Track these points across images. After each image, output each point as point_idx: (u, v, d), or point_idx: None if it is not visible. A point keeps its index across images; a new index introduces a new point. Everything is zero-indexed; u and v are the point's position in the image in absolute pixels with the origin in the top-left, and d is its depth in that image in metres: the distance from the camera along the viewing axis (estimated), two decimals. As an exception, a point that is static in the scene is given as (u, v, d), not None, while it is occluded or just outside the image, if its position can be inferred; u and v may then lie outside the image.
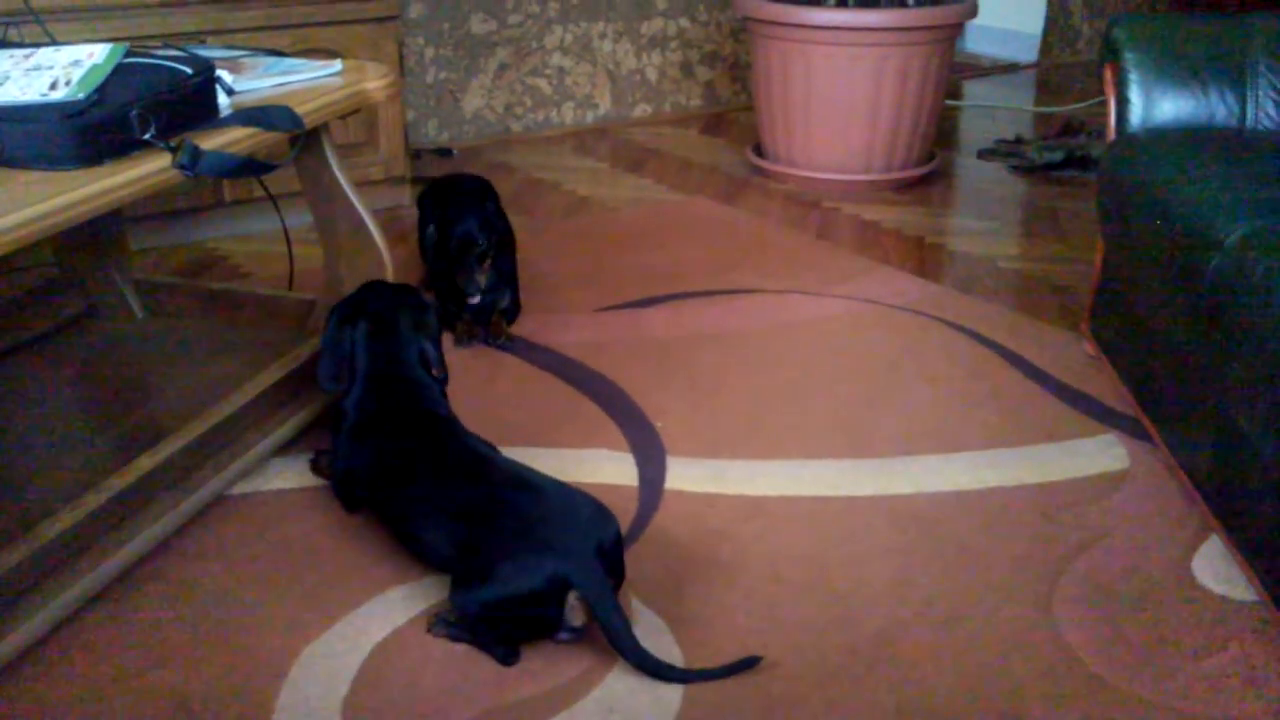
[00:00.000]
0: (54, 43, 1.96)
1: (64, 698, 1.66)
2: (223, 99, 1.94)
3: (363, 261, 2.35)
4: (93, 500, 1.85)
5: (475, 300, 2.73)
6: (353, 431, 2.06)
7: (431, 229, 2.77)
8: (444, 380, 2.14)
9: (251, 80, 2.10)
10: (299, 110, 1.97)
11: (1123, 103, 2.52)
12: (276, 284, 2.91)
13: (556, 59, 4.65)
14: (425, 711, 1.64)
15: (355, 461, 2.05)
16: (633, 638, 1.68)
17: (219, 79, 1.93)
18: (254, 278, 3.18)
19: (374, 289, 2.19)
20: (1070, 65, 6.02)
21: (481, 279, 2.69)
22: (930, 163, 4.11)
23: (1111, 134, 2.57)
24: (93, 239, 2.57)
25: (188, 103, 1.82)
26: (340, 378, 2.11)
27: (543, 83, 4.66)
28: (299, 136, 2.04)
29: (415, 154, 4.15)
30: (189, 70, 1.85)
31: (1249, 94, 2.46)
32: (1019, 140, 4.49)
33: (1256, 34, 2.49)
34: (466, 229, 2.69)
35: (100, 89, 1.71)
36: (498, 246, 2.75)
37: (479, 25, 4.42)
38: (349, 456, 2.06)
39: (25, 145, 1.63)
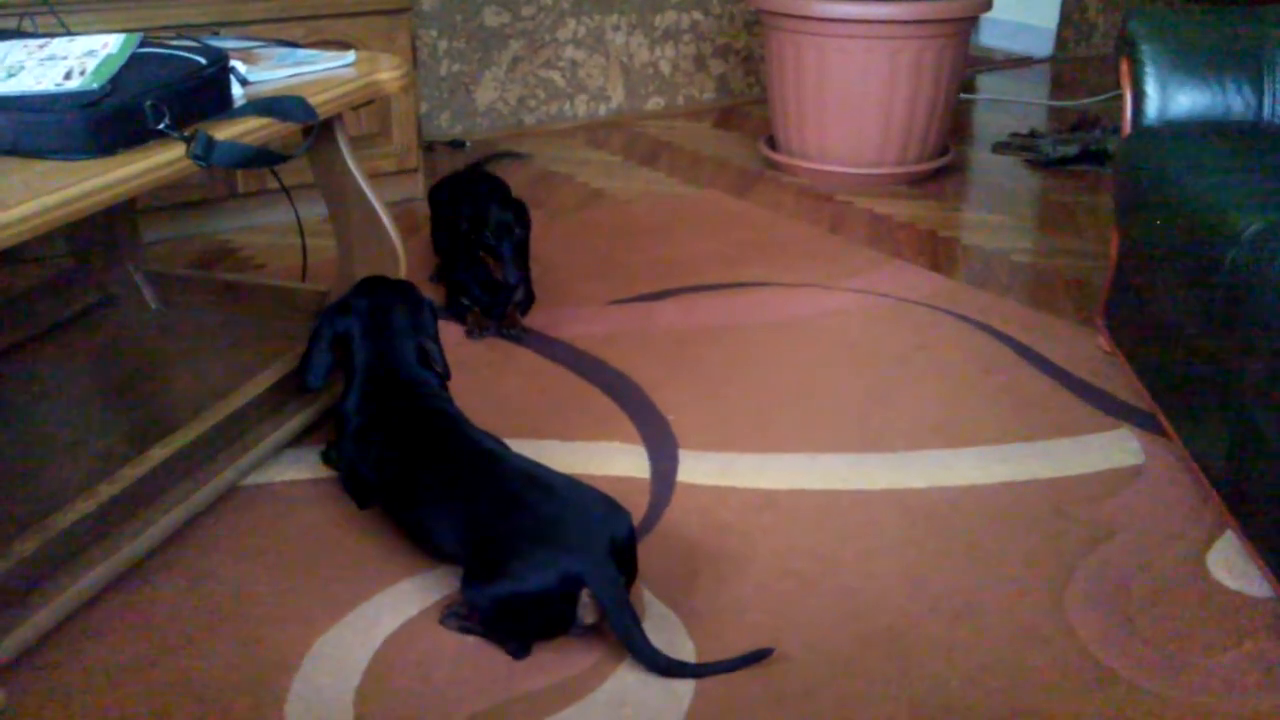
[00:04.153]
0: (68, 33, 1.96)
1: (77, 686, 1.67)
2: (236, 90, 1.94)
3: (376, 253, 2.35)
4: (106, 490, 1.85)
5: (518, 291, 2.78)
6: (357, 435, 2.06)
7: (464, 224, 2.77)
8: (446, 377, 2.14)
9: (265, 71, 2.10)
10: (312, 101, 1.97)
11: (1138, 96, 2.51)
12: (289, 275, 2.91)
13: (569, 51, 4.65)
14: (436, 703, 1.64)
15: (362, 463, 2.04)
16: (643, 637, 1.68)
17: (233, 69, 1.93)
18: (267, 269, 3.19)
19: (368, 286, 2.18)
20: (1085, 59, 5.99)
21: (519, 267, 2.71)
22: (944, 156, 4.10)
23: (1127, 127, 2.55)
24: (106, 230, 2.58)
25: (201, 93, 1.82)
26: (328, 377, 2.11)
27: (556, 75, 4.66)
28: (312, 128, 2.04)
29: (428, 146, 4.15)
30: (203, 61, 1.85)
31: (1265, 87, 2.44)
32: (1033, 134, 4.47)
33: (1273, 27, 2.47)
34: (504, 219, 2.70)
35: (114, 79, 1.71)
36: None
37: (492, 18, 4.42)
38: (355, 458, 2.06)
39: (39, 135, 1.63)
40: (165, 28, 2.99)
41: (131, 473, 1.90)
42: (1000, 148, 4.39)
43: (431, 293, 2.85)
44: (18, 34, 1.98)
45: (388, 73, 2.21)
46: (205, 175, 3.17)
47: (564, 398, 2.50)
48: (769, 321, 2.87)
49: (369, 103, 2.32)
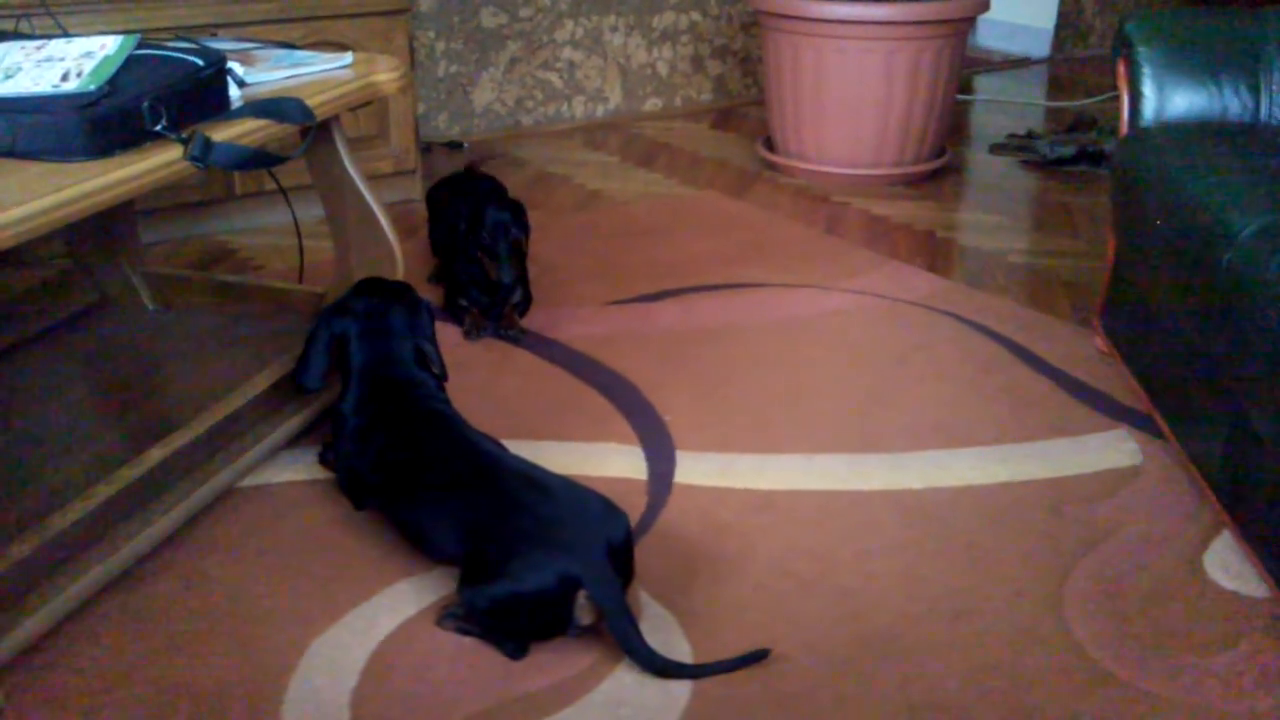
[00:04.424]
0: (66, 34, 1.96)
1: (74, 687, 1.67)
2: (234, 91, 1.94)
3: (373, 254, 2.35)
4: (103, 492, 1.85)
5: (516, 292, 2.79)
6: (355, 435, 2.06)
7: (462, 224, 2.78)
8: (443, 378, 2.14)
9: (262, 72, 2.10)
10: (310, 102, 1.97)
11: (1135, 97, 2.51)
12: (287, 277, 2.91)
13: (567, 53, 4.65)
14: (433, 704, 1.64)
15: (360, 463, 2.04)
16: (640, 638, 1.68)
17: (230, 71, 1.93)
18: (265, 270, 3.19)
19: (365, 288, 2.18)
20: (1082, 60, 5.99)
21: (515, 267, 2.72)
22: (941, 157, 4.10)
23: (1124, 128, 2.56)
24: (104, 231, 2.58)
25: (199, 94, 1.82)
26: (326, 378, 2.11)
27: (553, 76, 4.66)
28: (310, 129, 2.04)
29: (426, 148, 4.15)
30: (200, 62, 1.85)
31: (1262, 88, 2.45)
32: (1030, 135, 4.48)
33: (1270, 28, 2.48)
34: (500, 219, 2.71)
35: (112, 80, 1.71)
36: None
37: (489, 19, 4.42)
38: (353, 459, 2.06)
39: (37, 136, 1.63)
40: (163, 29, 2.99)
41: (129, 474, 1.90)
42: (997, 148, 4.39)
43: (429, 294, 2.85)
44: (15, 35, 1.98)
45: (385, 74, 2.21)
46: (203, 176, 3.17)
47: (561, 398, 2.50)
48: (767, 322, 2.87)
49: (367, 104, 2.32)
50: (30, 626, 1.70)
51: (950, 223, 3.63)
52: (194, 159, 1.72)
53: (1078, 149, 4.20)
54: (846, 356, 2.70)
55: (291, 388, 2.20)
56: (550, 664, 1.72)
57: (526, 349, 2.73)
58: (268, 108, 1.92)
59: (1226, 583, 1.89)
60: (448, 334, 2.71)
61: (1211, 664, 1.72)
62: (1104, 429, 2.36)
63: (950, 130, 4.25)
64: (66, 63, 1.74)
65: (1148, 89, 2.49)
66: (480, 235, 2.70)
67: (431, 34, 4.32)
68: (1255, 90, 2.45)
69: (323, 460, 2.22)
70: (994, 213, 3.72)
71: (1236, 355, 1.87)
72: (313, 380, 2.12)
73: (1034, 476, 2.20)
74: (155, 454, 1.96)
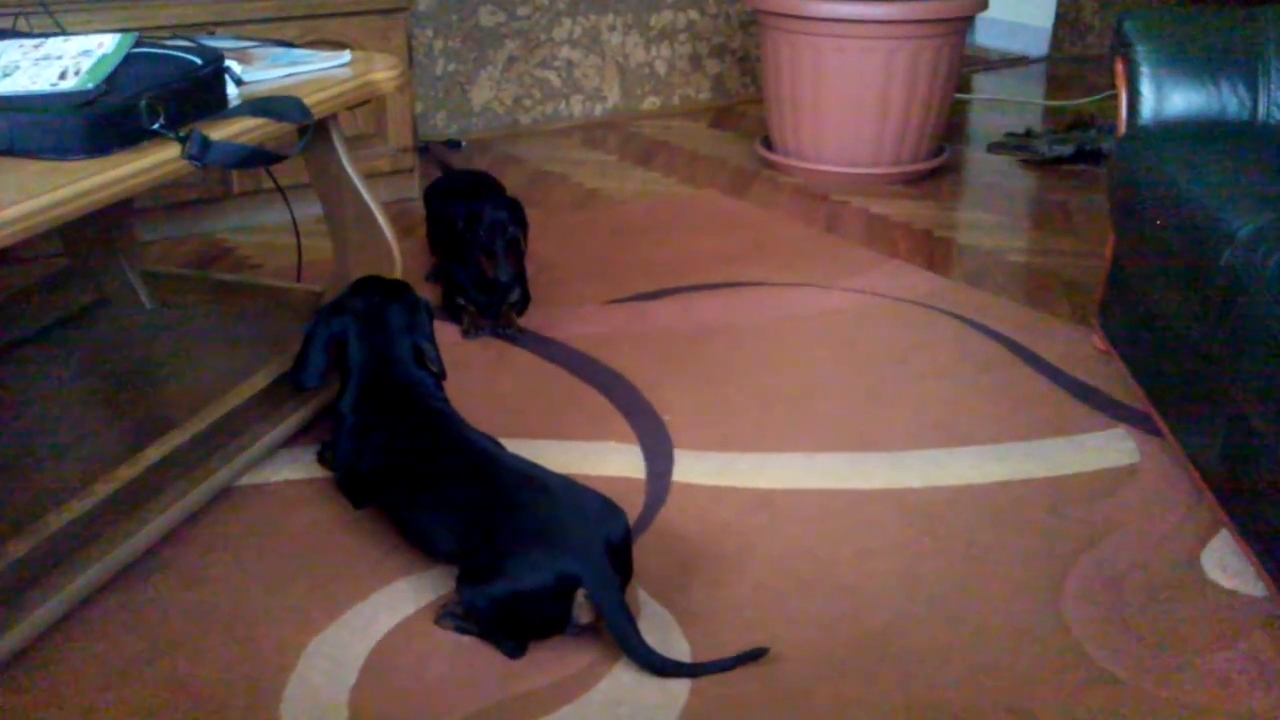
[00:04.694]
0: (64, 33, 1.96)
1: (72, 686, 1.67)
2: (231, 89, 1.94)
3: (371, 253, 2.35)
4: (101, 490, 1.85)
5: (514, 290, 2.80)
6: (353, 433, 2.06)
7: (460, 223, 2.78)
8: (441, 377, 2.14)
9: (260, 71, 2.10)
10: (307, 101, 1.97)
11: (1134, 96, 2.51)
12: (285, 275, 2.91)
13: (565, 51, 4.64)
14: (432, 703, 1.64)
15: (359, 462, 2.04)
16: (639, 637, 1.68)
17: (228, 69, 1.93)
18: (262, 269, 3.18)
19: (363, 286, 2.18)
20: (1081, 59, 6.00)
21: (512, 265, 2.72)
22: (940, 156, 4.10)
23: (1122, 127, 2.56)
24: (102, 230, 2.57)
25: (197, 93, 1.82)
26: (324, 377, 2.11)
27: (551, 75, 4.65)
28: (307, 127, 2.04)
29: (423, 146, 4.15)
30: (198, 60, 1.84)
31: (1260, 87, 2.45)
32: (1029, 134, 4.48)
33: (1268, 27, 2.48)
34: (498, 217, 2.71)
35: (110, 79, 1.71)
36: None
37: (488, 17, 4.42)
38: (351, 457, 2.06)
39: (34, 135, 1.63)
40: (160, 28, 2.99)
41: (127, 473, 1.90)
42: (996, 147, 4.39)
43: (428, 292, 2.85)
44: (13, 34, 1.97)
45: (383, 72, 2.21)
46: (201, 175, 3.17)
47: (560, 397, 2.50)
48: (765, 321, 2.87)
49: (364, 102, 2.32)
50: (29, 625, 1.70)
51: (949, 221, 3.63)
52: (192, 157, 1.72)
53: (1076, 148, 4.20)
54: (846, 355, 2.70)
55: (289, 386, 2.20)
56: (549, 663, 1.72)
57: (524, 348, 2.73)
58: (265, 106, 1.92)
59: (1225, 582, 1.90)
60: (446, 333, 2.71)
61: (1210, 663, 1.72)
62: (1102, 428, 2.36)
63: (948, 129, 4.26)
64: (64, 61, 1.74)
65: (1146, 88, 2.49)
66: (478, 233, 2.70)
67: (429, 32, 4.32)
68: (1253, 89, 2.45)
69: (321, 459, 2.22)
70: (993, 211, 3.72)
71: (1235, 354, 1.87)
72: (311, 379, 2.12)
73: (1033, 475, 2.20)
74: (153, 453, 1.95)
